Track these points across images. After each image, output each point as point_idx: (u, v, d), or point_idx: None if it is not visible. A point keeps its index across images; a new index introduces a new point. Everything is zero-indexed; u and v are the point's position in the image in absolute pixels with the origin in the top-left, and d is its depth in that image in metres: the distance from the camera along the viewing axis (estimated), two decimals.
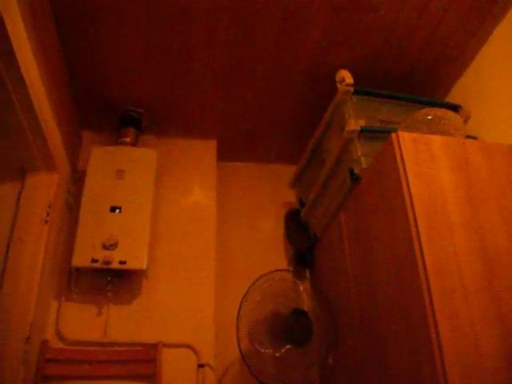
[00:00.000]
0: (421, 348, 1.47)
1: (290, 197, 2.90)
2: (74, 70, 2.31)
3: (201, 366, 2.20)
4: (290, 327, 2.07)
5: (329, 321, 2.19)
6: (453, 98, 2.40)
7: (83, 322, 2.22)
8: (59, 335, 2.18)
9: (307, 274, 2.61)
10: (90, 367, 2.13)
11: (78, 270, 2.27)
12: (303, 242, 2.61)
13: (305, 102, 2.56)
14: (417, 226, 1.56)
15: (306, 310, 2.15)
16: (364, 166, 1.97)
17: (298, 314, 2.10)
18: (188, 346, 2.24)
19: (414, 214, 1.59)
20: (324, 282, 2.43)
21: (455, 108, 2.20)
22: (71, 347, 2.17)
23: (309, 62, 2.31)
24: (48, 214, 2.10)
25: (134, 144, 2.56)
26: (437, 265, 1.50)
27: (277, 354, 2.06)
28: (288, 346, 2.07)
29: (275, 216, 2.87)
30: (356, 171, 2.00)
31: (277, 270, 2.18)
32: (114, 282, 2.28)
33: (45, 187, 2.15)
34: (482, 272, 1.52)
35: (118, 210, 2.28)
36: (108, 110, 2.57)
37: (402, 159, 1.69)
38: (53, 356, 2.11)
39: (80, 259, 2.18)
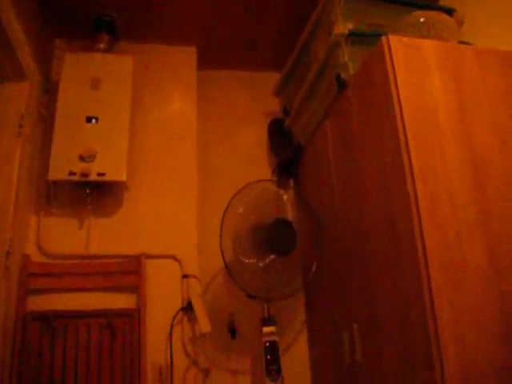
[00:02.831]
0: (406, 258, 1.46)
1: (274, 106, 2.80)
2: None
3: (185, 276, 2.21)
4: (273, 237, 2.06)
5: (312, 230, 2.18)
6: (447, 1, 2.26)
7: (64, 236, 2.19)
8: (41, 249, 2.15)
9: (291, 184, 2.58)
10: (73, 280, 2.13)
11: (55, 183, 2.21)
12: (287, 151, 2.55)
13: (291, 5, 2.41)
14: (405, 134, 1.51)
15: (289, 219, 2.13)
16: (351, 72, 1.88)
17: (282, 223, 2.09)
18: (172, 257, 2.24)
19: (403, 121, 1.53)
20: (308, 193, 2.40)
21: (449, 11, 2.07)
22: (53, 261, 2.15)
23: None
24: (21, 126, 2.01)
25: (110, 51, 2.42)
26: (425, 174, 1.46)
27: (261, 264, 2.07)
28: (272, 256, 2.07)
29: (258, 126, 2.78)
30: (343, 77, 1.91)
31: (260, 181, 2.15)
32: (94, 194, 2.23)
33: (16, 97, 2.05)
34: (471, 182, 1.49)
35: (94, 121, 2.19)
36: (80, 15, 2.39)
37: (392, 64, 1.60)
38: (35, 270, 2.10)
39: (57, 172, 2.11)
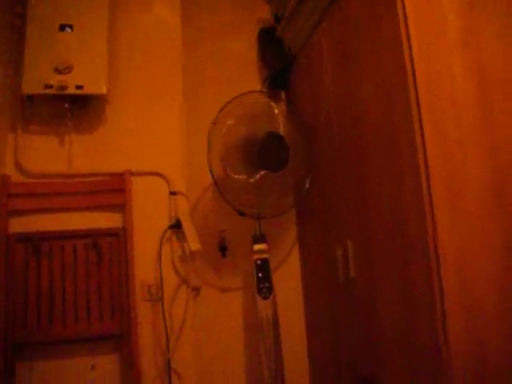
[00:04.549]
0: (405, 167, 1.37)
1: (265, 13, 2.59)
2: None
3: (172, 193, 2.13)
4: (264, 152, 1.95)
5: (305, 145, 2.08)
6: None
7: (45, 154, 2.09)
8: (20, 169, 2.05)
9: (282, 96, 2.43)
10: (56, 200, 2.05)
11: (31, 98, 2.07)
12: (278, 61, 2.38)
13: None
14: (409, 43, 1.36)
15: (281, 133, 2.01)
16: None
17: (273, 137, 1.98)
18: (158, 174, 2.15)
19: (407, 29, 1.37)
20: (301, 106, 2.27)
21: None
22: (35, 181, 2.06)
23: None
24: None
25: None
26: (429, 83, 1.34)
27: (251, 180, 1.98)
28: (263, 172, 1.98)
29: (248, 35, 2.58)
30: None
31: (250, 92, 2.01)
32: (74, 109, 2.11)
33: None
34: (476, 94, 1.36)
35: (68, 29, 2.04)
36: None
37: None
38: (16, 191, 2.01)
39: (31, 86, 1.99)
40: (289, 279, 2.35)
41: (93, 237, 2.03)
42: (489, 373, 1.23)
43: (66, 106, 2.07)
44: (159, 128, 2.20)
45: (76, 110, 2.12)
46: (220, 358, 2.24)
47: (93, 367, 1.99)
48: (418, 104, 1.33)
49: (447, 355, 1.22)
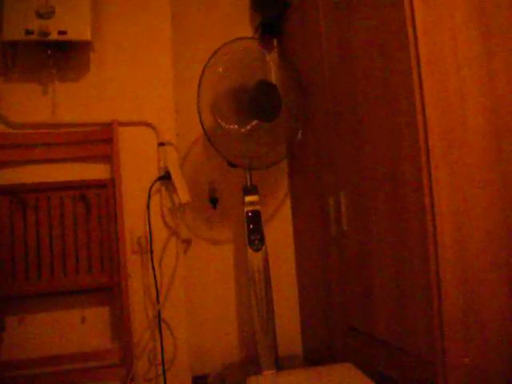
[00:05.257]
0: (403, 119, 1.32)
1: None
2: None
3: (161, 144, 2.07)
4: (256, 101, 1.89)
5: (298, 94, 2.02)
6: None
7: (28, 104, 2.01)
8: (3, 119, 1.98)
9: (275, 43, 2.35)
10: (41, 151, 1.99)
11: (12, 45, 1.98)
12: (272, 8, 2.29)
13: None
14: None
15: (273, 82, 1.95)
16: None
17: (265, 86, 1.91)
18: (146, 124, 2.08)
19: None
20: (294, 54, 2.19)
21: None
22: (18, 131, 1.99)
23: None
24: None
25: None
26: (428, 31, 1.26)
27: (242, 130, 1.92)
28: (254, 122, 1.92)
29: None
30: None
31: (241, 38, 1.93)
32: (57, 56, 2.03)
33: None
34: (478, 40, 1.30)
35: None
36: None
37: None
38: None
39: (12, 32, 1.88)
40: (280, 232, 2.32)
41: (80, 188, 1.98)
42: (480, 319, 1.22)
43: (49, 52, 1.98)
44: (147, 77, 2.12)
45: (60, 57, 2.03)
46: (211, 309, 2.23)
47: (83, 320, 1.98)
48: (416, 50, 1.27)
49: (439, 304, 1.21)
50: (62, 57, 2.04)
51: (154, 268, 2.02)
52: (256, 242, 1.94)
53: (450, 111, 1.25)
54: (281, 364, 1.95)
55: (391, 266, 1.42)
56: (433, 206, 1.21)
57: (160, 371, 2.01)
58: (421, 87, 1.25)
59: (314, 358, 2.14)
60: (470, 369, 1.20)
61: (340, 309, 1.82)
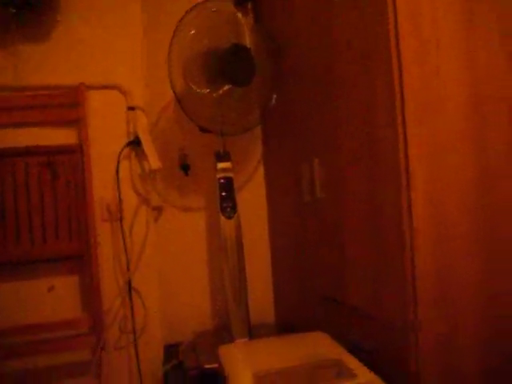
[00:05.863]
0: (378, 80, 1.28)
1: None
2: None
3: (131, 109, 2.01)
4: (229, 65, 1.83)
5: (273, 58, 1.96)
6: None
7: None
8: None
9: (249, 7, 2.28)
10: (4, 115, 1.91)
11: None
12: None
13: None
14: None
15: (247, 46, 1.89)
16: None
17: (239, 49, 1.85)
18: (115, 88, 2.02)
19: None
20: (269, 18, 2.13)
21: None
22: None
23: None
24: None
25: None
26: None
27: (214, 95, 1.87)
28: (227, 86, 1.86)
29: None
30: None
31: None
32: (21, 16, 1.93)
33: None
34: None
35: None
36: None
37: None
38: None
39: None
40: (253, 199, 2.29)
41: (46, 154, 1.92)
42: (455, 282, 1.21)
43: (13, 10, 1.89)
44: (116, 39, 2.04)
45: (24, 16, 1.93)
46: (183, 278, 2.21)
47: (51, 288, 1.94)
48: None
49: (412, 270, 1.19)
50: (26, 16, 1.94)
51: (124, 236, 1.98)
52: (228, 209, 1.91)
53: (427, 68, 1.22)
54: (254, 332, 1.94)
55: (366, 234, 1.40)
56: (408, 174, 1.19)
57: (131, 339, 1.99)
58: (397, 37, 1.21)
59: (287, 326, 2.14)
60: (444, 337, 1.20)
61: (313, 277, 1.81)
